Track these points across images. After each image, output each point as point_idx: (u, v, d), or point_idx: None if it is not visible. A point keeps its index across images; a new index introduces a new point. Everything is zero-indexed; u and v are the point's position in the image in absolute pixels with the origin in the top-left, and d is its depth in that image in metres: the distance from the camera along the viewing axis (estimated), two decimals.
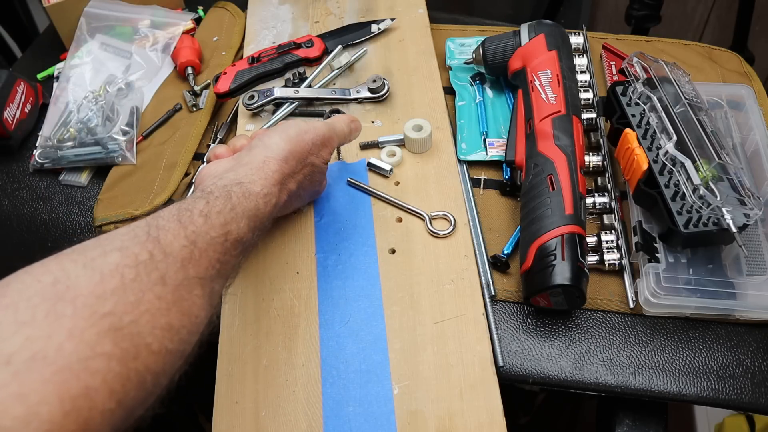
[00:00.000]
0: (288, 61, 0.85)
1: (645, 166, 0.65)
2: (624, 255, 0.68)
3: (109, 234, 0.45)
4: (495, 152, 0.77)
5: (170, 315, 0.42)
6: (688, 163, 0.63)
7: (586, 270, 0.63)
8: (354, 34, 0.88)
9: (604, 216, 0.71)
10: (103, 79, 0.87)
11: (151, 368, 0.41)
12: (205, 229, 0.48)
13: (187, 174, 0.80)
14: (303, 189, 0.65)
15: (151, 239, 0.45)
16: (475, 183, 0.76)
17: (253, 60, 0.85)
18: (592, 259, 0.68)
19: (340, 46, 0.85)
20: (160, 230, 0.46)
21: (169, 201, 0.76)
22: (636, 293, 0.66)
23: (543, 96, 0.73)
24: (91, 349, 0.37)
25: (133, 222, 0.47)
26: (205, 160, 0.79)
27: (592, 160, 0.75)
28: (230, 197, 0.52)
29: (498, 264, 0.69)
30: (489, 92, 0.84)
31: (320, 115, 0.80)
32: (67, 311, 0.37)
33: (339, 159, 0.76)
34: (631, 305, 0.66)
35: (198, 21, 0.97)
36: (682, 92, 0.70)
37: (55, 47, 0.96)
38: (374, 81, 0.80)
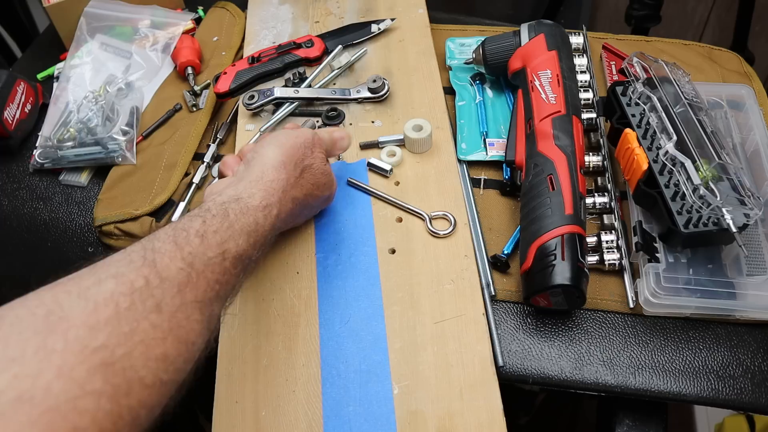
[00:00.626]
0: (288, 61, 0.85)
1: (645, 166, 0.65)
2: (624, 255, 0.68)
3: (105, 260, 0.44)
4: (495, 152, 0.77)
5: (166, 344, 0.41)
6: (688, 163, 0.63)
7: (586, 270, 0.63)
8: (354, 34, 0.88)
9: (604, 216, 0.71)
10: (103, 79, 0.87)
11: (145, 402, 0.40)
12: (202, 249, 0.47)
13: (187, 174, 0.80)
14: (311, 196, 0.64)
15: (147, 263, 0.44)
16: (475, 183, 0.76)
17: (253, 60, 0.85)
18: (592, 259, 0.68)
19: (340, 46, 0.85)
20: (156, 253, 0.45)
21: (169, 201, 0.76)
22: (636, 293, 0.66)
23: (543, 96, 0.73)
24: (81, 388, 0.36)
25: (129, 246, 0.46)
26: (215, 175, 0.79)
27: (592, 160, 0.75)
28: (227, 214, 0.52)
29: (498, 264, 0.69)
30: (489, 92, 0.84)
31: (320, 115, 0.80)
32: (58, 346, 0.36)
33: (339, 159, 0.76)
34: (631, 305, 0.66)
35: (198, 21, 0.97)
36: (682, 92, 0.70)
37: (55, 47, 0.96)
38: (374, 81, 0.80)
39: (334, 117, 0.79)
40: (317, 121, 0.79)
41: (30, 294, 0.40)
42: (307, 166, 0.63)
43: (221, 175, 0.64)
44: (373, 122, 0.79)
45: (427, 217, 0.69)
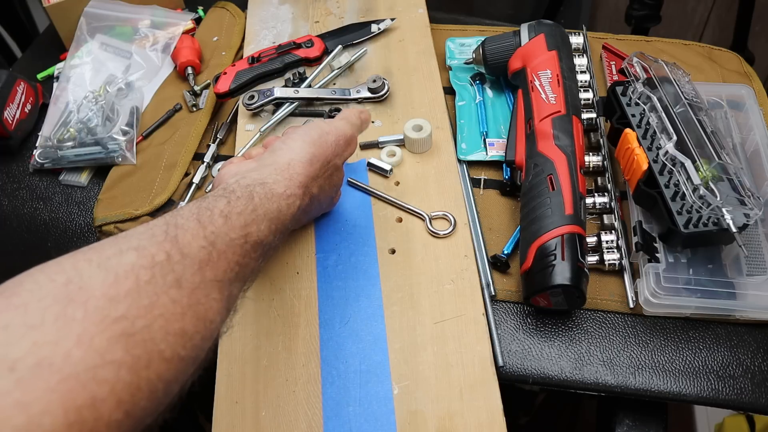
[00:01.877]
0: (288, 61, 0.85)
1: (645, 166, 0.65)
2: (624, 255, 0.68)
3: (128, 232, 0.44)
4: (495, 152, 0.77)
5: (185, 320, 0.41)
6: (688, 163, 0.63)
7: (586, 270, 0.63)
8: (354, 34, 0.88)
9: (604, 216, 0.71)
10: (103, 79, 0.87)
11: (163, 376, 0.39)
12: (225, 230, 0.47)
13: (187, 174, 0.80)
14: (324, 193, 0.63)
15: (168, 239, 0.43)
16: (475, 183, 0.76)
17: (253, 60, 0.85)
18: (592, 259, 0.68)
19: (340, 46, 0.85)
20: (178, 229, 0.44)
21: (169, 201, 0.76)
22: (636, 293, 0.66)
23: (543, 96, 0.73)
24: (101, 357, 0.35)
25: (152, 221, 0.46)
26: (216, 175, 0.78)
27: (592, 160, 0.75)
28: (252, 197, 0.51)
29: (498, 264, 0.69)
30: (489, 92, 0.84)
31: (320, 115, 0.80)
32: (78, 314, 0.36)
33: None
34: (631, 305, 0.66)
35: (198, 21, 0.97)
36: (682, 92, 0.70)
37: (55, 47, 0.96)
38: (374, 81, 0.80)
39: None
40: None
41: (50, 261, 0.40)
42: (331, 166, 0.62)
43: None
44: (373, 122, 0.79)
45: (427, 217, 0.69)
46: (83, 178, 0.82)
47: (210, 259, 0.45)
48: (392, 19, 0.89)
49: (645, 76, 0.72)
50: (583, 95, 0.79)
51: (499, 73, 0.83)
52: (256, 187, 0.53)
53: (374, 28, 0.88)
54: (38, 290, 0.37)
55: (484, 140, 0.78)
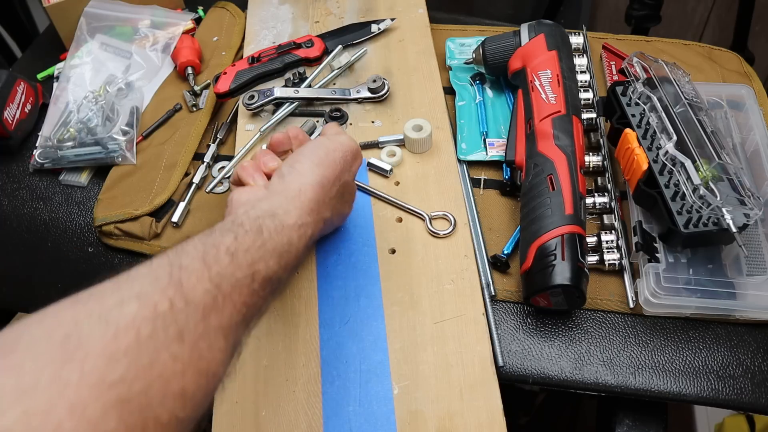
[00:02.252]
0: (288, 61, 0.85)
1: (645, 166, 0.65)
2: (624, 255, 0.68)
3: (131, 273, 0.42)
4: (495, 152, 0.77)
5: (185, 378, 0.39)
6: (688, 163, 0.63)
7: (586, 270, 0.63)
8: (354, 34, 0.88)
9: (604, 216, 0.71)
10: (103, 79, 0.87)
11: None
12: (231, 269, 0.45)
13: (187, 174, 0.80)
14: (336, 211, 0.61)
15: (173, 283, 0.41)
16: (475, 183, 0.76)
17: (253, 60, 0.85)
18: (592, 259, 0.68)
19: (340, 46, 0.85)
20: (182, 271, 0.42)
21: (169, 201, 0.76)
22: (636, 293, 0.66)
23: (543, 96, 0.73)
24: (93, 428, 0.34)
25: (156, 258, 0.44)
26: (216, 175, 0.78)
27: (592, 160, 0.75)
28: (261, 231, 0.49)
29: (498, 264, 0.69)
30: (489, 92, 0.84)
31: (320, 115, 0.80)
32: (73, 377, 0.34)
33: None
34: (631, 305, 0.66)
35: (198, 21, 0.97)
36: (682, 92, 0.70)
37: (55, 47, 0.96)
38: (374, 81, 0.80)
39: (337, 118, 0.78)
40: (317, 121, 0.79)
41: (49, 309, 0.38)
42: (343, 183, 0.60)
43: (239, 182, 0.60)
44: (373, 122, 0.79)
45: (427, 217, 0.69)
46: (83, 178, 0.82)
47: (215, 305, 0.42)
48: (392, 19, 0.89)
49: (645, 76, 0.72)
50: (583, 95, 0.79)
51: (499, 73, 0.83)
52: (266, 220, 0.51)
53: (374, 28, 0.88)
54: (34, 347, 0.35)
55: (484, 140, 0.78)
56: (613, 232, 0.69)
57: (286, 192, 0.55)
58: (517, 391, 1.17)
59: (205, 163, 0.80)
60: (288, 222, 0.52)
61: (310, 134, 0.78)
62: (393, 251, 0.68)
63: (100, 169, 0.82)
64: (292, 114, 0.81)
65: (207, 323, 0.41)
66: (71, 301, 0.39)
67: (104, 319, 0.37)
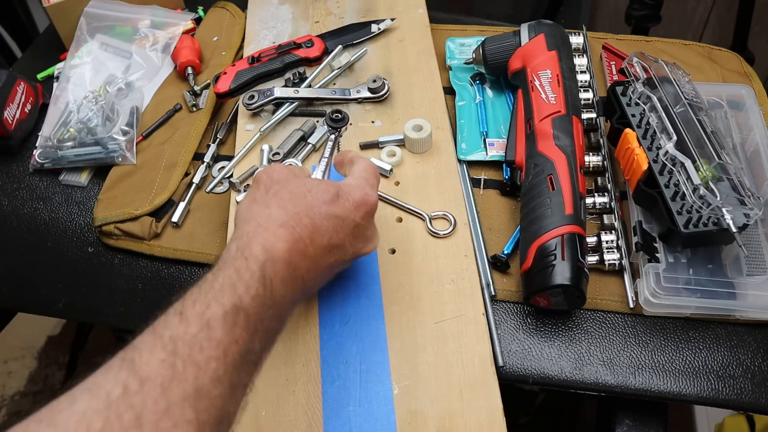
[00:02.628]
0: (288, 61, 0.85)
1: (645, 166, 0.65)
2: (624, 255, 0.68)
3: (88, 374, 0.39)
4: (495, 152, 0.77)
5: None
6: (688, 163, 0.63)
7: (586, 270, 0.63)
8: (354, 34, 0.88)
9: (604, 216, 0.71)
10: (103, 79, 0.87)
11: None
12: (183, 327, 0.41)
13: (187, 174, 0.80)
14: (349, 250, 0.56)
15: (125, 365, 0.38)
16: (475, 183, 0.76)
17: (253, 60, 0.85)
18: (592, 259, 0.68)
19: (340, 46, 0.85)
20: (135, 351, 0.39)
21: (169, 201, 0.76)
22: (636, 293, 0.66)
23: (543, 96, 0.73)
24: None
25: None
26: (215, 175, 0.77)
27: (592, 160, 0.75)
28: (205, 279, 0.45)
29: (498, 264, 0.69)
30: (489, 92, 0.84)
31: (320, 115, 0.80)
32: None
33: None
34: (631, 305, 0.66)
35: (198, 21, 0.97)
36: (682, 92, 0.70)
37: (55, 47, 0.96)
38: (374, 81, 0.80)
39: (338, 120, 0.78)
40: (317, 121, 0.79)
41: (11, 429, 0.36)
42: (338, 246, 0.54)
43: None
44: (373, 122, 0.79)
45: (427, 217, 0.69)
46: (83, 178, 0.82)
47: (175, 373, 0.38)
48: (392, 19, 0.89)
49: (645, 76, 0.72)
50: (583, 95, 0.79)
51: (499, 73, 0.83)
52: (219, 260, 0.47)
53: (374, 28, 0.88)
54: None
55: (484, 140, 0.78)
56: (613, 232, 0.69)
57: (246, 222, 0.51)
58: (517, 391, 1.17)
59: (205, 163, 0.80)
60: (229, 254, 0.47)
61: (310, 134, 0.78)
62: (393, 251, 0.68)
63: (100, 169, 0.82)
64: (292, 114, 0.81)
65: (168, 397, 0.37)
66: (29, 418, 0.36)
67: (52, 423, 0.35)
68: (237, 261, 0.46)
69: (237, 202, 0.72)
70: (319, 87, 0.83)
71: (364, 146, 0.77)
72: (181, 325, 0.41)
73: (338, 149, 0.75)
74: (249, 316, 0.44)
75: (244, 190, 0.72)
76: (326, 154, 0.68)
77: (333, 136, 0.71)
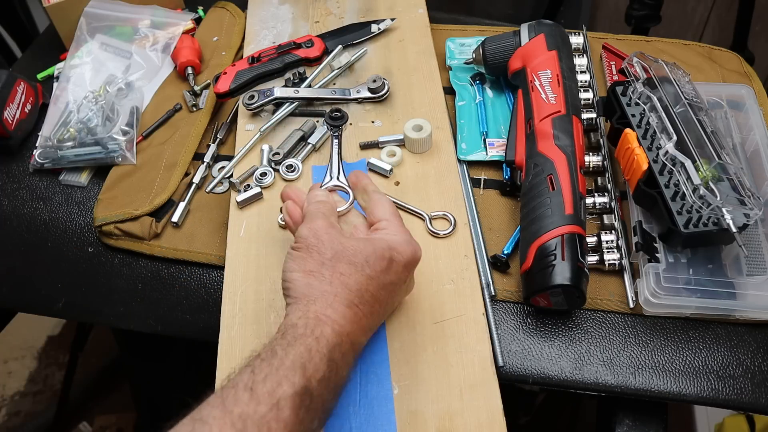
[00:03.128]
0: (288, 61, 0.85)
1: (645, 166, 0.65)
2: (624, 255, 0.68)
3: None
4: (495, 152, 0.77)
5: None
6: (688, 163, 0.63)
7: (586, 270, 0.63)
8: (354, 34, 0.88)
9: (604, 216, 0.71)
10: (103, 79, 0.87)
11: None
12: (253, 406, 0.42)
13: (187, 174, 0.80)
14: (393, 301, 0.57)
15: None
16: (475, 183, 0.76)
17: (253, 60, 0.85)
18: (592, 259, 0.68)
19: (340, 46, 0.85)
20: (204, 425, 0.40)
21: (169, 201, 0.76)
22: (636, 293, 0.66)
23: (543, 96, 0.73)
24: None
25: (182, 420, 0.41)
26: (216, 175, 0.78)
27: (592, 160, 0.75)
28: (275, 353, 0.46)
29: (498, 264, 0.69)
30: (489, 92, 0.84)
31: (320, 115, 0.80)
32: None
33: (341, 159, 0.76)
34: (631, 305, 0.66)
35: (198, 21, 0.97)
36: (682, 92, 0.70)
37: (55, 47, 0.96)
38: (374, 81, 0.80)
39: (337, 118, 0.78)
40: (317, 121, 0.79)
41: None
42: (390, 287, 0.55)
43: (291, 213, 0.60)
44: (373, 122, 0.79)
45: (427, 217, 0.69)
46: (83, 178, 0.82)
47: None
48: (392, 19, 0.89)
49: (645, 76, 0.72)
50: (583, 95, 0.79)
51: (499, 73, 0.83)
52: (278, 339, 0.47)
53: (374, 28, 0.88)
54: None
55: (484, 140, 0.78)
56: (613, 232, 0.69)
57: (305, 296, 0.51)
58: (517, 391, 1.18)
59: (205, 163, 0.80)
60: (298, 331, 0.48)
61: (310, 134, 0.78)
62: None
63: (100, 169, 0.82)
64: (292, 114, 0.81)
65: None
66: None
67: None
68: (308, 339, 0.47)
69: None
70: (319, 87, 0.83)
71: (364, 146, 0.77)
72: (251, 403, 0.42)
73: (339, 151, 0.75)
74: (314, 398, 0.45)
75: (245, 190, 0.72)
76: (334, 156, 0.71)
77: (336, 135, 0.72)
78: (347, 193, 0.64)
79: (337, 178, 0.69)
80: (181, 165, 0.79)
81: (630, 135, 0.68)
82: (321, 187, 0.63)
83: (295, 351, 0.46)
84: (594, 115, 0.78)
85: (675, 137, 0.65)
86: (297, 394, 0.44)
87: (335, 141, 0.75)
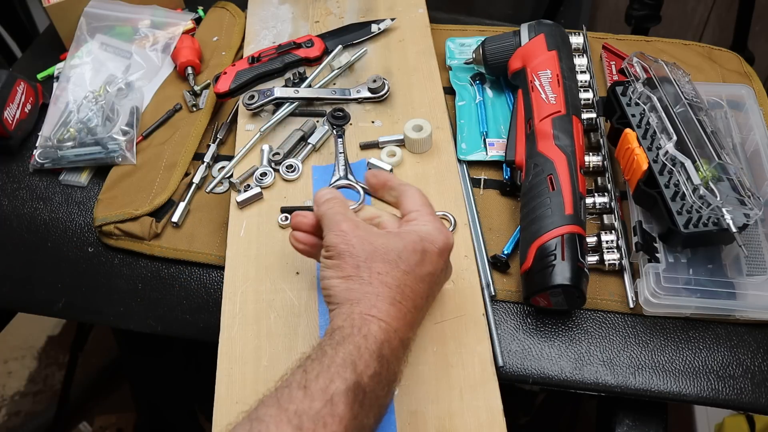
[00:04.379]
0: (288, 61, 0.85)
1: (645, 166, 0.65)
2: (624, 255, 0.68)
3: None
4: (495, 152, 0.77)
5: None
6: (688, 163, 0.63)
7: (586, 270, 0.63)
8: (354, 34, 0.88)
9: (604, 216, 0.71)
10: (103, 79, 0.87)
11: None
12: (308, 403, 0.43)
13: (187, 174, 0.80)
14: (431, 296, 0.57)
15: None
16: (475, 183, 0.76)
17: (253, 60, 0.85)
18: (592, 259, 0.68)
19: (340, 46, 0.85)
20: (261, 423, 0.41)
21: (169, 201, 0.76)
22: (636, 293, 0.66)
23: (543, 96, 0.73)
24: None
25: (240, 420, 0.43)
26: (216, 175, 0.77)
27: (592, 160, 0.75)
28: (325, 352, 0.47)
29: (498, 264, 0.69)
30: (489, 92, 0.84)
31: (320, 115, 0.80)
32: None
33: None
34: (631, 305, 0.66)
35: (198, 21, 0.97)
36: (682, 92, 0.70)
37: (55, 47, 0.96)
38: (374, 81, 0.80)
39: (340, 118, 0.78)
40: (317, 121, 0.79)
41: None
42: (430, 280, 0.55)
43: (297, 227, 0.60)
44: (373, 122, 0.79)
45: None
46: (83, 178, 0.82)
47: None
48: (392, 19, 0.89)
49: (645, 76, 0.72)
50: (583, 95, 0.79)
51: (499, 73, 0.83)
52: (326, 339, 0.49)
53: (374, 28, 0.88)
54: None
55: (484, 140, 0.78)
56: (613, 232, 0.69)
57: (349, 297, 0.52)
58: (517, 391, 1.17)
59: (205, 163, 0.80)
60: (345, 332, 0.49)
61: (310, 134, 0.78)
62: None
63: (100, 169, 0.82)
64: (292, 114, 0.81)
65: None
66: None
67: None
68: (356, 338, 0.48)
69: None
70: (319, 87, 0.83)
71: (364, 146, 0.77)
72: (305, 400, 0.43)
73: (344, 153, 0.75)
74: (367, 393, 0.46)
75: (245, 190, 0.72)
76: (339, 155, 0.71)
77: (339, 134, 0.73)
78: (358, 192, 0.64)
79: (346, 177, 0.70)
80: (181, 165, 0.79)
81: (630, 135, 0.68)
82: (330, 185, 0.63)
83: (345, 349, 0.47)
84: (594, 115, 0.78)
85: (675, 137, 0.65)
86: (350, 390, 0.45)
87: (339, 140, 0.76)
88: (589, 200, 0.71)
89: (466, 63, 0.85)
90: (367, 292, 0.51)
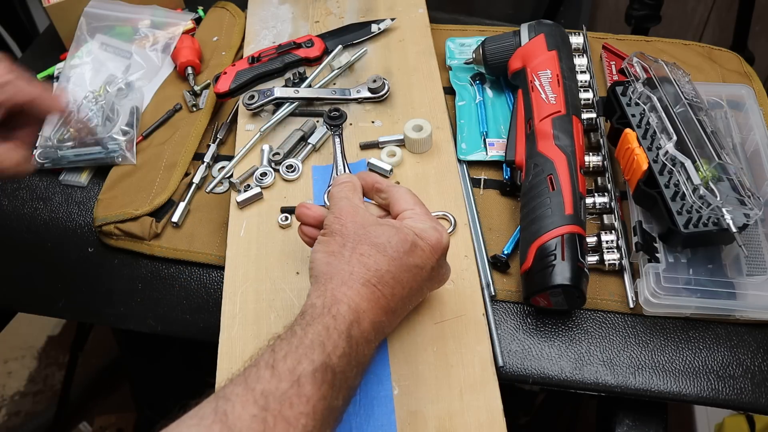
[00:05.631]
0: (288, 61, 0.85)
1: (645, 166, 0.65)
2: (624, 255, 0.68)
3: (181, 419, 0.41)
4: (495, 152, 0.77)
5: None
6: (688, 163, 0.63)
7: (586, 270, 0.63)
8: (354, 34, 0.88)
9: (604, 216, 0.71)
10: (103, 79, 0.87)
11: None
12: (275, 383, 0.43)
13: (187, 174, 0.80)
14: (424, 291, 0.58)
15: (218, 418, 0.40)
16: (475, 183, 0.76)
17: (253, 60, 0.85)
18: (592, 259, 0.68)
19: (340, 46, 0.85)
20: (227, 402, 0.41)
21: (169, 201, 0.76)
22: (636, 293, 0.66)
23: (543, 96, 0.73)
24: None
25: (207, 397, 0.42)
26: (216, 175, 0.78)
27: (592, 160, 0.75)
28: (294, 332, 0.47)
29: (498, 264, 0.69)
30: (489, 92, 0.84)
31: (320, 115, 0.80)
32: None
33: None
34: (631, 305, 0.66)
35: (198, 21, 0.97)
36: (682, 92, 0.70)
37: (55, 47, 0.96)
38: (374, 81, 0.80)
39: (336, 117, 0.79)
40: (317, 121, 0.79)
41: None
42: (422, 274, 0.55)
43: (300, 218, 0.59)
44: (373, 122, 0.79)
45: None
46: (83, 178, 0.82)
47: (266, 429, 0.40)
48: (392, 19, 0.89)
49: (645, 76, 0.72)
50: (583, 95, 0.79)
51: (499, 73, 0.83)
52: (298, 319, 0.48)
53: (374, 28, 0.88)
54: None
55: (484, 140, 0.78)
56: (613, 232, 0.69)
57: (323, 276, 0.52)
58: (517, 391, 1.18)
59: (205, 163, 0.80)
60: (316, 311, 0.49)
61: (310, 134, 0.78)
62: None
63: (100, 169, 0.82)
64: (292, 114, 0.81)
65: None
66: None
67: None
68: (325, 318, 0.48)
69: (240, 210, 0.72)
70: (319, 87, 0.83)
71: (364, 146, 0.77)
72: (273, 380, 0.43)
73: (342, 153, 0.75)
74: (336, 374, 0.46)
75: (245, 190, 0.72)
76: (338, 155, 0.72)
77: (337, 134, 0.73)
78: None
79: None
80: (181, 165, 0.79)
81: (630, 135, 0.68)
82: (328, 186, 0.63)
83: (314, 330, 0.47)
84: (594, 115, 0.78)
85: (675, 137, 0.65)
86: (317, 371, 0.45)
87: (337, 140, 0.76)
88: (589, 200, 0.71)
89: (466, 63, 0.85)
90: (342, 269, 0.52)
